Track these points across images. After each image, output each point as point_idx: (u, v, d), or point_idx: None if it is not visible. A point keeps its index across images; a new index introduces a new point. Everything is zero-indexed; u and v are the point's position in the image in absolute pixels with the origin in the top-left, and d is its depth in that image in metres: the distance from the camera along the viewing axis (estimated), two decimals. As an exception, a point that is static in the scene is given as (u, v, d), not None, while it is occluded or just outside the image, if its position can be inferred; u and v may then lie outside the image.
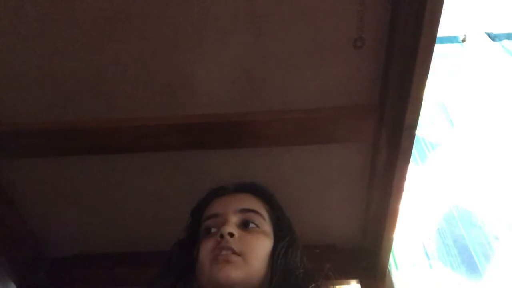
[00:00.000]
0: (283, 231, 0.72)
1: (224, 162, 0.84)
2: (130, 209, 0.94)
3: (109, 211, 0.94)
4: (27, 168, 0.86)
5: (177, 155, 0.82)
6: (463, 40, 2.44)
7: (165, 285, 0.68)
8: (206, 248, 0.66)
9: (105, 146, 0.78)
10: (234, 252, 0.64)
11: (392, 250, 0.91)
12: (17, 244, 0.95)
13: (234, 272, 0.62)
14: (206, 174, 0.83)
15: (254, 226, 0.69)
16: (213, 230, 0.69)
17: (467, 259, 1.31)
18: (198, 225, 0.73)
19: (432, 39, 0.57)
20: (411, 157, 0.72)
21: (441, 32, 0.57)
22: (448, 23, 2.18)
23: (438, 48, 0.79)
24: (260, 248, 0.67)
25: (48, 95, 0.73)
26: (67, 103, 0.74)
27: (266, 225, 0.71)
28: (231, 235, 0.65)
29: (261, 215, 0.71)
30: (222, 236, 0.65)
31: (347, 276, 0.98)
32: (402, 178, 0.74)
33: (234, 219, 0.69)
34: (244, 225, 0.69)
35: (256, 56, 0.68)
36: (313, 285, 0.65)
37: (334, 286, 0.73)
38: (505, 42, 2.37)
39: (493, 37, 2.41)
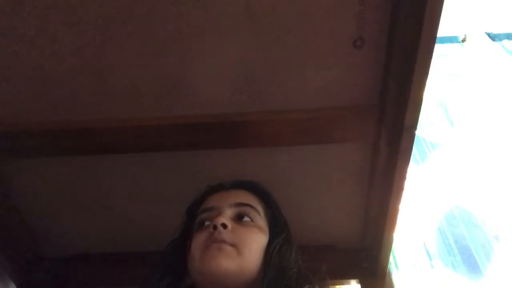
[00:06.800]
0: (278, 228, 0.71)
1: (224, 162, 0.84)
2: (130, 209, 0.94)
3: (109, 211, 0.94)
4: (27, 168, 0.86)
5: (177, 155, 0.82)
6: (463, 40, 2.44)
7: (158, 284, 0.67)
8: (199, 239, 0.65)
9: (105, 146, 0.78)
10: (226, 243, 0.62)
11: (392, 250, 0.91)
12: (17, 244, 0.95)
13: (226, 261, 0.60)
14: (206, 174, 0.83)
15: (248, 220, 0.68)
16: (206, 223, 0.68)
17: (468, 259, 1.31)
18: (193, 223, 0.72)
19: (432, 39, 0.57)
20: (411, 157, 0.72)
21: (441, 32, 0.57)
22: (448, 23, 2.18)
23: (438, 48, 0.79)
24: (253, 241, 0.66)
25: (48, 95, 0.73)
26: (67, 103, 0.74)
27: (261, 221, 0.70)
28: (224, 226, 0.64)
29: (256, 210, 0.70)
30: (215, 227, 0.63)
31: (347, 276, 0.98)
32: (402, 178, 0.74)
33: (228, 212, 0.68)
34: (239, 218, 0.68)
35: (256, 56, 0.68)
36: (306, 286, 0.64)
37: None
38: (505, 42, 2.37)
39: (493, 37, 2.41)
